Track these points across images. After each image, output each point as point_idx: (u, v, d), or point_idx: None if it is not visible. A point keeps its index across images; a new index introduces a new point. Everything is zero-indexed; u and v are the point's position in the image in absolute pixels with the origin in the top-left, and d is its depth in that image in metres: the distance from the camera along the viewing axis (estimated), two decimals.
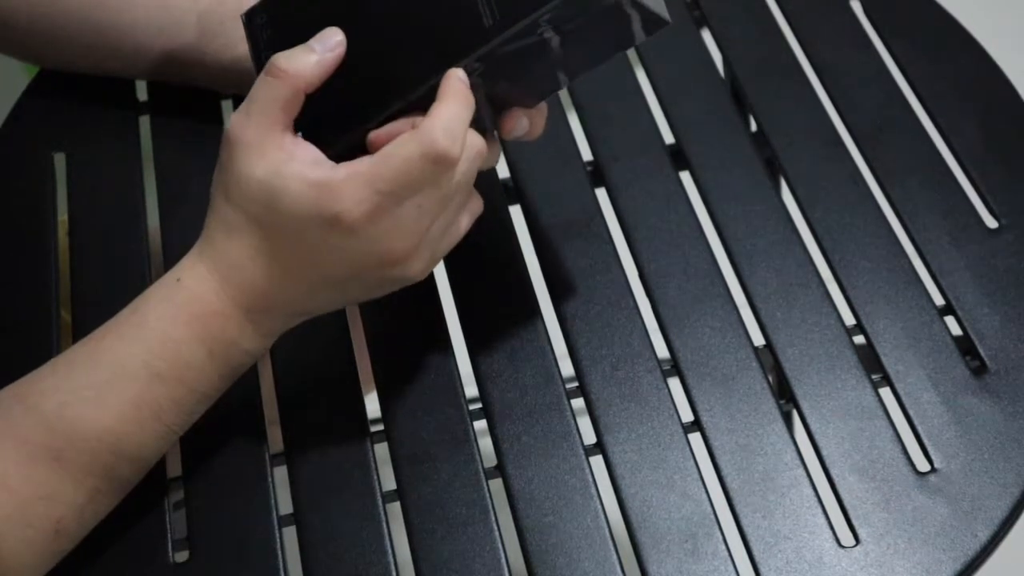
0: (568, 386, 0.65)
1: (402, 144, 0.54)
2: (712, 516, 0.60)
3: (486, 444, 0.63)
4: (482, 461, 0.63)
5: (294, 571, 0.60)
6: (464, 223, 0.60)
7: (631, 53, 0.80)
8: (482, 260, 0.70)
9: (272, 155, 0.55)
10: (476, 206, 0.61)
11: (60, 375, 0.57)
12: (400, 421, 0.64)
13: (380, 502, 0.62)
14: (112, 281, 0.70)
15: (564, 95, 0.78)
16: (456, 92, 0.55)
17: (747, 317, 0.67)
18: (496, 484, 0.62)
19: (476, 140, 0.57)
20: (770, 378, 0.65)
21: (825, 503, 0.60)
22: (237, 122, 0.56)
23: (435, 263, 0.60)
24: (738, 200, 0.72)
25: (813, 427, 0.63)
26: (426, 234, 0.57)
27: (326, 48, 0.57)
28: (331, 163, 0.55)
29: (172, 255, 0.71)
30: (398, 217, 0.55)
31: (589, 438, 0.63)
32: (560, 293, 0.68)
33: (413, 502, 0.62)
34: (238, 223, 0.57)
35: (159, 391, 0.57)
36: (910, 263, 0.69)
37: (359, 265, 0.57)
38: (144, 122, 0.78)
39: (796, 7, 0.82)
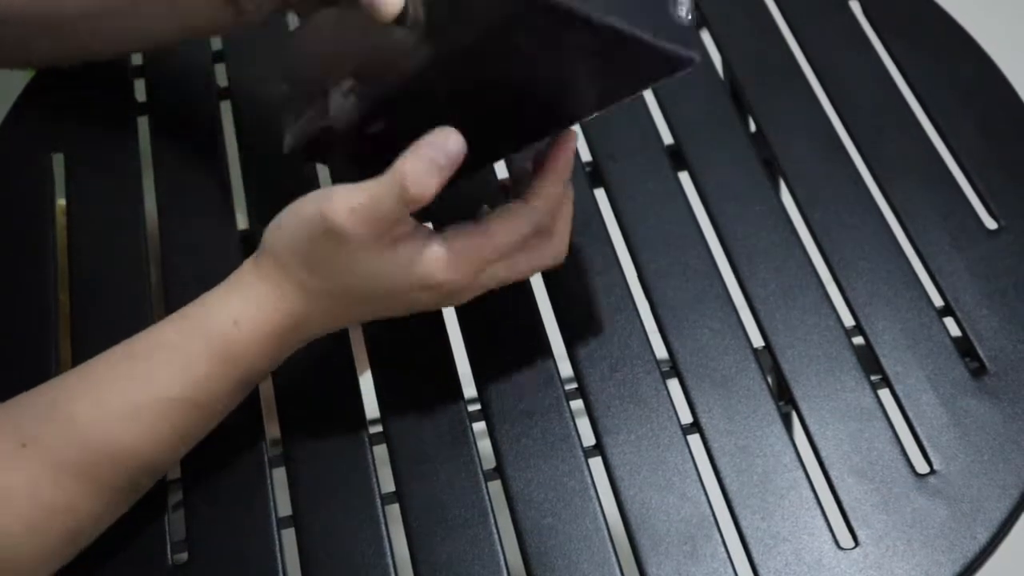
0: (567, 387, 0.65)
1: (511, 218, 0.57)
2: (711, 518, 0.60)
3: (485, 446, 0.63)
4: (481, 463, 0.63)
5: (293, 573, 0.60)
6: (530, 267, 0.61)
7: None
8: None
9: (382, 256, 0.56)
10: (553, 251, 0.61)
11: (98, 388, 0.57)
12: (399, 423, 0.64)
13: (379, 503, 0.62)
14: (111, 281, 0.70)
15: None
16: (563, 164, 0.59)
17: (746, 318, 0.67)
18: (495, 486, 0.62)
19: (568, 210, 0.61)
20: (769, 379, 0.65)
21: (824, 505, 0.60)
22: (346, 215, 0.55)
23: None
24: (737, 200, 0.72)
25: (812, 429, 0.63)
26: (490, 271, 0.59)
27: (451, 163, 0.54)
28: (435, 237, 0.57)
29: (171, 255, 0.71)
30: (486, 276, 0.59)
31: (588, 440, 0.63)
32: (559, 294, 0.68)
33: (412, 504, 0.62)
34: (316, 291, 0.57)
35: (194, 418, 0.58)
36: (909, 264, 0.69)
37: (414, 300, 0.58)
38: (143, 122, 0.78)
39: (796, 7, 0.82)
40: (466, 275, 0.57)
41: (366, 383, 0.66)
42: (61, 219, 0.74)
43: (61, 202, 0.75)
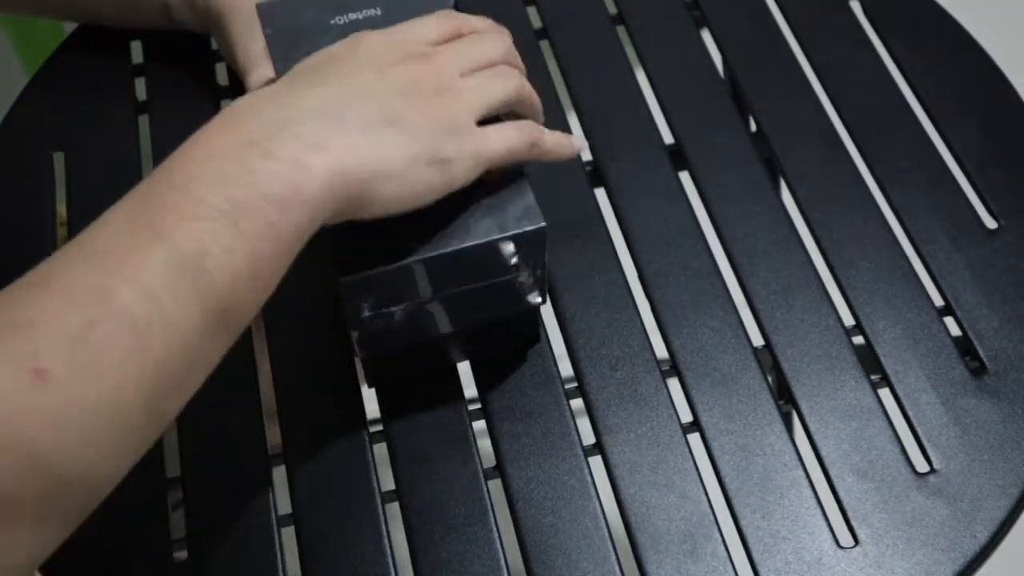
0: (567, 386, 0.65)
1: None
2: (711, 516, 0.60)
3: (485, 445, 0.63)
4: (481, 461, 0.63)
5: (293, 571, 0.60)
6: (510, 84, 0.59)
7: (631, 53, 0.80)
8: None
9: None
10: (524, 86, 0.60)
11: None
12: (399, 421, 0.64)
13: (379, 502, 0.62)
14: None
15: (564, 95, 0.78)
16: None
17: (746, 317, 0.67)
18: (495, 484, 0.62)
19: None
20: (769, 379, 0.65)
21: (824, 504, 0.60)
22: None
23: (480, 106, 0.57)
24: (738, 200, 0.72)
25: (812, 428, 0.63)
26: (457, 54, 0.57)
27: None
28: None
29: None
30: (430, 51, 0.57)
31: (588, 439, 0.63)
32: (559, 293, 0.69)
33: (412, 502, 0.62)
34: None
35: (151, 201, 0.48)
36: (909, 264, 0.69)
37: (389, 66, 0.55)
38: (143, 121, 0.79)
39: (796, 7, 0.82)
40: (404, 34, 0.56)
41: (366, 382, 0.66)
42: (61, 230, 0.74)
43: (61, 202, 0.75)
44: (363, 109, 0.52)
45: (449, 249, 0.56)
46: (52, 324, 0.43)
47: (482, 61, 0.58)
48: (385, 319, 0.59)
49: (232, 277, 0.47)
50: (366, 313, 0.58)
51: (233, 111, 0.52)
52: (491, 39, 0.60)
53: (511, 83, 0.58)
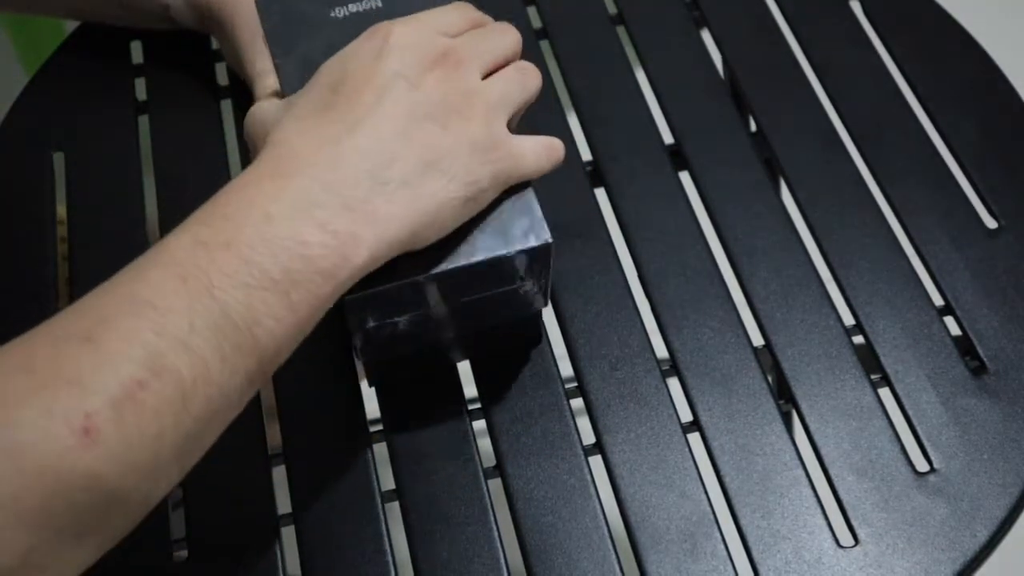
0: (567, 386, 0.65)
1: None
2: (711, 516, 0.60)
3: (485, 444, 0.63)
4: (481, 461, 0.63)
5: (293, 571, 0.60)
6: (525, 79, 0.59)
7: (631, 53, 0.80)
8: None
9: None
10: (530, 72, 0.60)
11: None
12: (399, 421, 0.64)
13: (379, 502, 0.62)
14: None
15: (564, 95, 0.78)
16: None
17: (746, 317, 0.67)
18: (495, 484, 0.62)
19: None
20: (769, 378, 0.65)
21: (824, 503, 0.60)
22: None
23: (504, 105, 0.57)
24: (738, 200, 0.72)
25: (812, 427, 0.63)
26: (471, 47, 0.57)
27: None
28: None
29: None
30: (442, 43, 0.56)
31: (588, 438, 0.63)
32: (559, 293, 0.68)
33: (412, 502, 0.62)
34: (285, 112, 0.55)
35: (203, 259, 0.48)
36: (909, 263, 0.69)
37: (413, 76, 0.54)
38: (143, 122, 0.78)
39: (796, 7, 0.82)
40: (416, 27, 0.56)
41: (366, 381, 0.66)
42: (61, 230, 0.74)
43: (61, 202, 0.75)
44: (404, 155, 0.53)
45: (455, 265, 0.56)
46: (104, 383, 0.44)
47: (500, 57, 0.58)
48: (389, 328, 0.59)
49: (276, 344, 0.49)
50: (370, 324, 0.58)
51: (280, 155, 0.52)
52: (504, 32, 0.60)
53: (533, 82, 0.59)
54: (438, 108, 0.54)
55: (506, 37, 0.59)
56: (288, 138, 0.53)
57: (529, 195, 0.58)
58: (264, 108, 0.59)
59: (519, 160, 0.56)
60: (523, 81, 0.58)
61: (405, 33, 0.56)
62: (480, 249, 0.56)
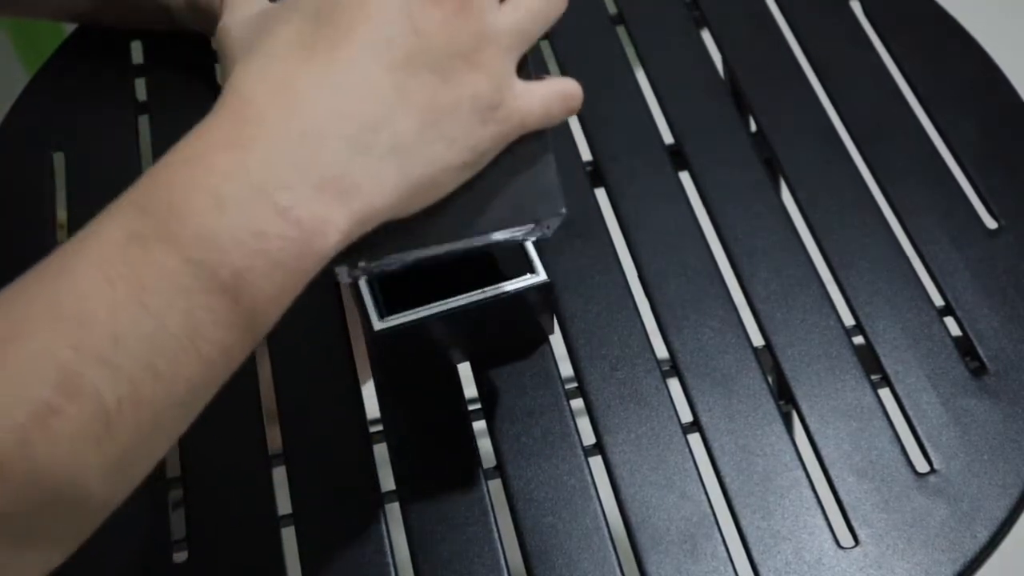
0: (567, 387, 0.65)
1: None
2: (711, 517, 0.60)
3: (485, 444, 0.63)
4: (481, 462, 0.63)
5: (293, 571, 0.60)
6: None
7: (631, 53, 0.80)
8: None
9: None
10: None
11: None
12: (400, 421, 0.64)
13: (380, 502, 0.62)
14: None
15: None
16: None
17: (746, 318, 0.67)
18: (495, 484, 0.62)
19: None
20: (769, 379, 0.65)
21: (824, 504, 0.60)
22: None
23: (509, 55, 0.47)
24: (738, 200, 0.72)
25: (812, 428, 0.63)
26: None
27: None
28: None
29: None
30: None
31: (588, 439, 0.63)
32: (559, 293, 0.68)
33: (412, 502, 0.62)
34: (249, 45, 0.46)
35: (136, 256, 0.40)
36: (910, 263, 0.69)
37: (413, 6, 0.45)
38: (143, 122, 0.78)
39: (796, 7, 0.82)
40: None
41: (366, 381, 0.66)
42: (62, 219, 0.74)
43: (61, 203, 0.75)
44: (395, 116, 0.44)
45: (480, 298, 0.59)
46: (7, 410, 0.37)
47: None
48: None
49: (226, 354, 0.42)
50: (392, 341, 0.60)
51: (240, 113, 0.43)
52: None
53: (555, 9, 0.49)
54: (441, 55, 0.45)
55: None
56: (252, 87, 0.43)
57: (547, 159, 0.51)
58: (234, 23, 0.49)
59: (526, 116, 0.48)
60: (545, 9, 0.49)
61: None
62: (503, 282, 0.60)
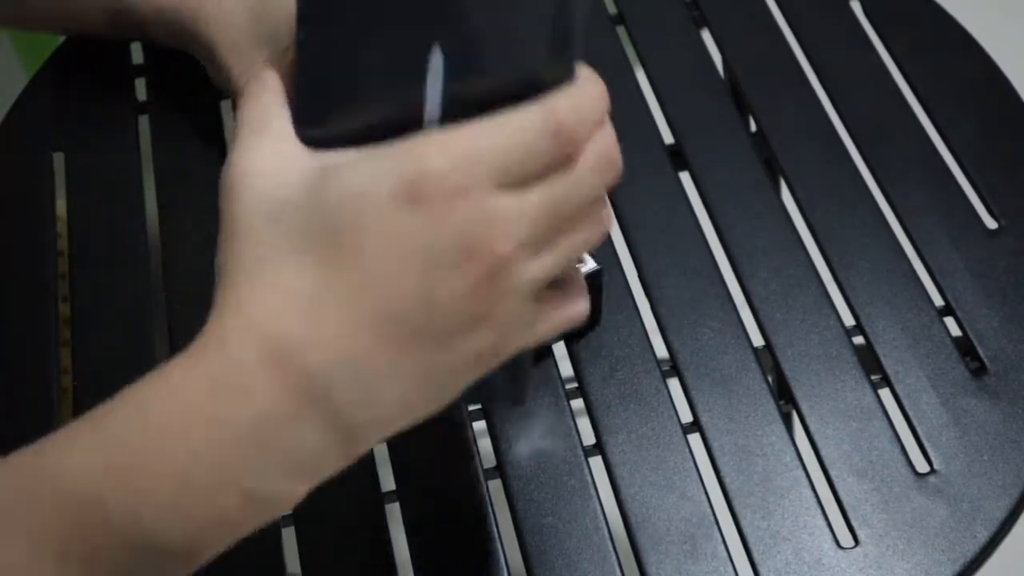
0: (567, 387, 0.65)
1: (516, 113, 0.39)
2: (711, 517, 0.60)
3: (485, 445, 0.63)
4: (481, 462, 0.63)
5: (293, 571, 0.60)
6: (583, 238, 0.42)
7: (631, 53, 0.80)
8: None
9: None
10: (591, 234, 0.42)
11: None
12: None
13: (380, 502, 0.62)
14: (111, 281, 0.70)
15: None
16: (590, 76, 0.43)
17: (746, 318, 0.67)
18: (495, 484, 0.62)
19: (607, 140, 0.41)
20: (769, 379, 0.65)
21: (824, 504, 0.60)
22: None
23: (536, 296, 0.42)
24: (738, 200, 0.72)
25: (812, 428, 0.63)
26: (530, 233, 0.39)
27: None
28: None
29: (171, 255, 0.71)
30: (494, 208, 0.38)
31: (588, 439, 0.63)
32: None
33: (412, 502, 0.62)
34: (271, 250, 0.40)
35: (95, 519, 0.40)
36: (910, 264, 0.69)
37: (435, 272, 0.38)
38: (144, 122, 0.78)
39: (796, 7, 0.82)
40: (466, 172, 0.38)
41: None
42: (62, 219, 0.74)
43: (61, 202, 0.75)
44: (384, 389, 0.40)
45: None
46: None
47: (572, 218, 0.41)
48: None
49: None
50: None
51: (230, 351, 0.39)
52: (602, 166, 0.42)
53: (596, 236, 0.42)
54: (450, 327, 0.39)
55: (600, 174, 0.41)
56: (253, 314, 0.39)
57: None
58: (250, 174, 0.42)
59: (529, 342, 0.43)
60: (585, 245, 0.42)
61: (445, 175, 0.38)
62: None
